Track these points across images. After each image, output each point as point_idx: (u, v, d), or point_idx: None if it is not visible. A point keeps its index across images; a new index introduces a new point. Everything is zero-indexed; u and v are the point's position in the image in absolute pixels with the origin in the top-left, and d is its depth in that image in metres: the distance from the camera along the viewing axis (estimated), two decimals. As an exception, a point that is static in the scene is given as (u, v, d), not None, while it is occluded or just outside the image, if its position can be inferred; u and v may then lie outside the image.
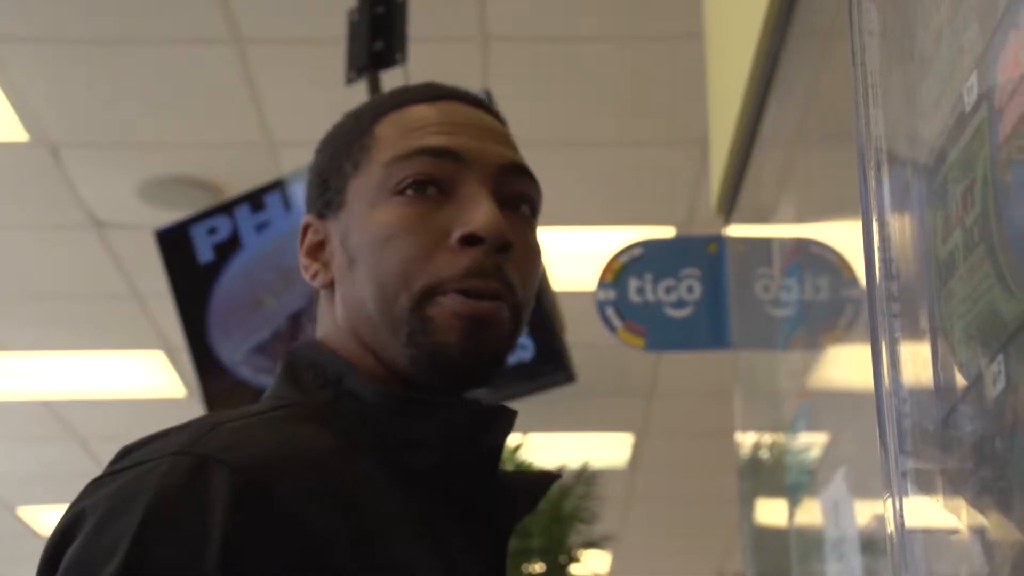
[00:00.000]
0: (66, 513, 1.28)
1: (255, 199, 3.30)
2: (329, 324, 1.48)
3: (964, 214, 1.28)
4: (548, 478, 1.46)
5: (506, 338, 1.42)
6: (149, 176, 5.78)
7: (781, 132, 2.81)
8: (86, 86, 5.22)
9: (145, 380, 7.72)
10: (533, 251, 1.46)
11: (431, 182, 1.41)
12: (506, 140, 1.49)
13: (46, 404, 8.02)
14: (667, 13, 4.74)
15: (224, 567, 1.20)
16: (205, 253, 3.31)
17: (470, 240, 1.38)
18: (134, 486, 1.25)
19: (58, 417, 8.19)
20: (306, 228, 1.50)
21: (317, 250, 1.48)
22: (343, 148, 1.49)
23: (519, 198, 1.46)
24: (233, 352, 3.27)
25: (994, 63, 1.21)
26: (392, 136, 1.46)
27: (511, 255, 1.40)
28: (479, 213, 1.39)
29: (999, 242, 1.20)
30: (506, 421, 1.40)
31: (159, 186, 5.82)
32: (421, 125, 1.46)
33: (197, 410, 3.59)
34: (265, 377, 3.09)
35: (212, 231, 3.32)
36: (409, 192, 1.41)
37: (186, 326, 3.36)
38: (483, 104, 1.52)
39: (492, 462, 1.42)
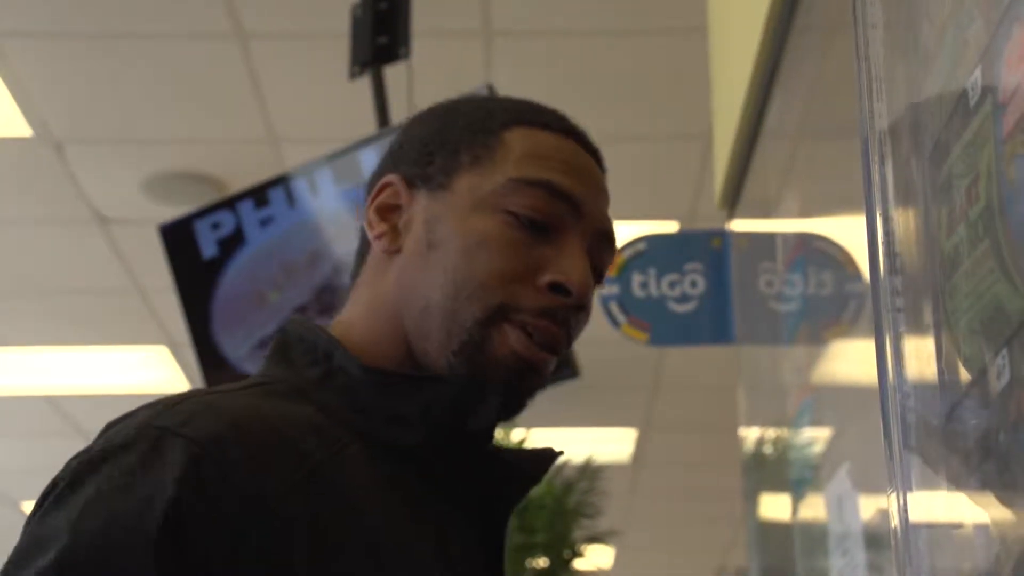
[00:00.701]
0: (46, 488, 1.30)
1: (259, 194, 3.30)
2: (370, 289, 1.46)
3: (969, 208, 1.28)
4: (550, 454, 1.44)
5: (540, 386, 1.44)
6: (153, 171, 5.79)
7: (785, 126, 2.81)
8: (90, 82, 5.23)
9: (149, 375, 7.73)
10: (588, 316, 1.47)
11: (544, 220, 1.42)
12: (608, 201, 1.51)
13: (49, 399, 8.03)
14: (670, 7, 4.74)
15: (171, 538, 1.20)
16: (209, 248, 3.31)
17: (560, 289, 1.40)
18: (96, 459, 1.28)
19: (61, 412, 8.20)
20: (384, 186, 1.47)
21: (389, 212, 1.46)
22: (464, 134, 1.47)
23: (602, 270, 1.49)
24: (237, 347, 3.27)
25: (998, 57, 1.21)
26: (520, 152, 1.46)
27: (580, 316, 1.43)
28: (577, 270, 1.41)
29: (1004, 237, 1.19)
30: (494, 402, 1.38)
31: (163, 181, 5.83)
32: (549, 155, 1.46)
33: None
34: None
35: (216, 226, 3.32)
36: (521, 218, 1.42)
37: (190, 321, 3.36)
38: (598, 155, 1.53)
39: (481, 442, 1.41)
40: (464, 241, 1.41)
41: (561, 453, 1.46)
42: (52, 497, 1.27)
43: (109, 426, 1.35)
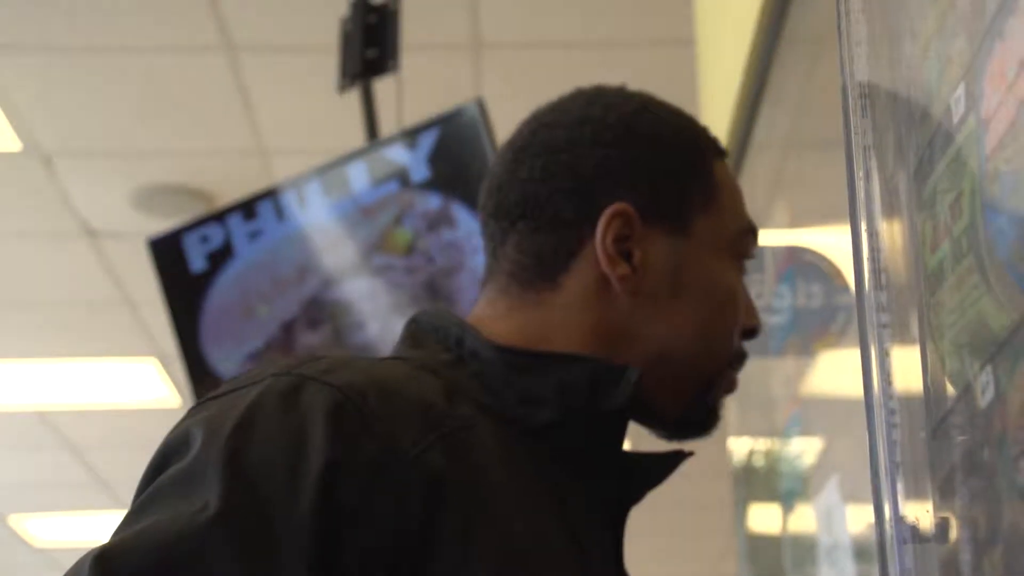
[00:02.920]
0: (169, 434, 1.28)
1: (248, 208, 3.30)
2: (565, 313, 1.44)
3: (953, 224, 1.28)
4: (679, 456, 1.45)
5: None
6: (141, 184, 5.78)
7: (773, 139, 2.82)
8: (78, 95, 5.22)
9: (137, 389, 7.71)
10: None
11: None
12: None
13: (38, 413, 8.01)
14: (659, 19, 4.75)
15: (323, 494, 1.19)
16: (198, 262, 3.31)
17: (752, 334, 1.49)
18: (232, 408, 1.25)
19: (50, 426, 8.18)
20: (619, 214, 1.44)
21: (619, 243, 1.44)
22: (685, 172, 1.47)
23: None
24: (226, 360, 3.27)
25: (981, 74, 1.21)
26: (728, 193, 1.50)
27: None
28: (758, 316, 1.49)
29: (987, 253, 1.20)
30: (628, 383, 1.38)
31: (151, 194, 5.82)
32: (738, 193, 1.52)
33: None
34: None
35: (205, 240, 3.32)
36: (744, 267, 1.47)
37: (178, 335, 3.35)
38: None
39: (615, 426, 1.40)
40: (713, 295, 1.44)
41: (692, 454, 1.46)
42: (194, 445, 1.23)
43: (232, 379, 1.34)
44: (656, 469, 1.45)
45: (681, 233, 1.44)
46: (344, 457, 1.21)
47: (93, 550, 1.16)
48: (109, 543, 1.17)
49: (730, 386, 1.48)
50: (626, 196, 1.44)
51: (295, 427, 1.22)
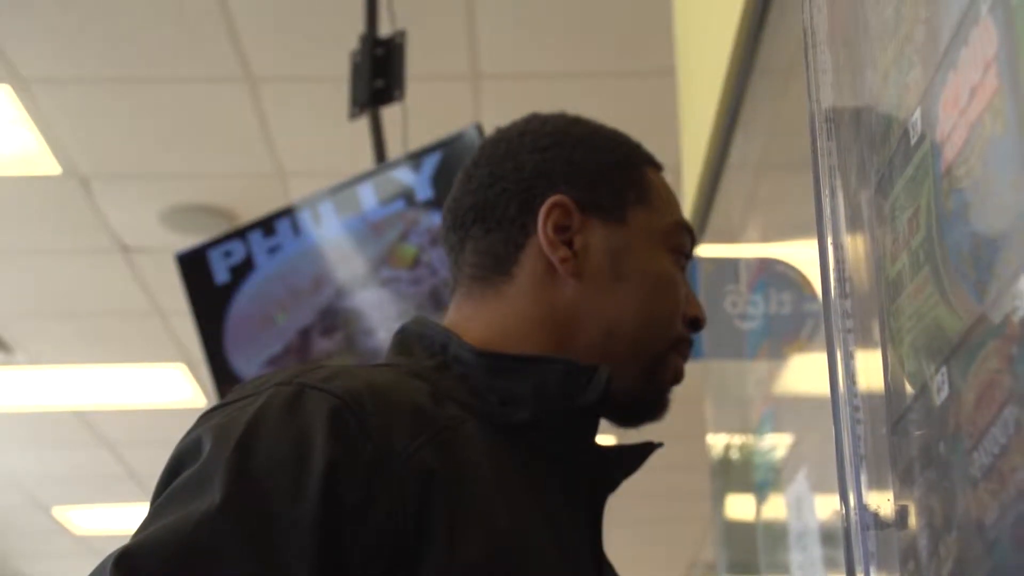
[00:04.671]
0: (181, 441, 1.28)
1: (267, 225, 3.30)
2: (525, 298, 1.45)
3: (911, 238, 1.28)
4: (650, 447, 1.46)
5: None
6: (170, 204, 5.78)
7: (747, 160, 2.81)
8: (113, 123, 5.23)
9: (167, 391, 7.71)
10: None
11: (687, 259, 1.50)
12: None
13: (77, 413, 8.01)
14: (642, 52, 4.75)
15: (325, 491, 1.19)
16: (221, 275, 3.31)
17: (696, 325, 1.48)
18: (239, 414, 1.25)
19: (88, 425, 8.18)
20: (556, 205, 1.45)
21: (560, 231, 1.45)
22: (620, 168, 1.49)
23: None
24: (247, 365, 3.27)
25: (936, 100, 1.21)
26: (663, 194, 1.51)
27: None
28: (701, 308, 1.49)
29: (942, 264, 1.20)
30: (600, 381, 1.38)
31: (179, 213, 5.82)
32: (672, 197, 1.53)
33: (215, 418, 3.59)
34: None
35: (227, 254, 3.31)
36: (680, 258, 1.47)
37: (204, 341, 3.35)
38: None
39: (590, 421, 1.41)
40: (654, 279, 1.45)
41: (661, 445, 1.47)
42: (204, 451, 1.23)
43: (239, 388, 1.33)
44: (629, 459, 1.45)
45: (618, 222, 1.46)
46: (344, 457, 1.21)
47: (114, 552, 1.16)
48: (129, 544, 1.17)
49: (676, 374, 1.47)
50: (565, 190, 1.46)
51: (299, 430, 1.22)
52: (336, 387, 1.26)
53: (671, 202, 1.50)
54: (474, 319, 1.46)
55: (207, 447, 1.23)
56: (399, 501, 1.22)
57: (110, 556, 1.16)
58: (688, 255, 1.49)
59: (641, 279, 1.43)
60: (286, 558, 1.17)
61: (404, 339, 1.46)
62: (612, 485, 1.45)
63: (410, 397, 1.30)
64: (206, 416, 1.30)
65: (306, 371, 1.29)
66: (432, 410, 1.30)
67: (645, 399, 1.43)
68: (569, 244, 1.45)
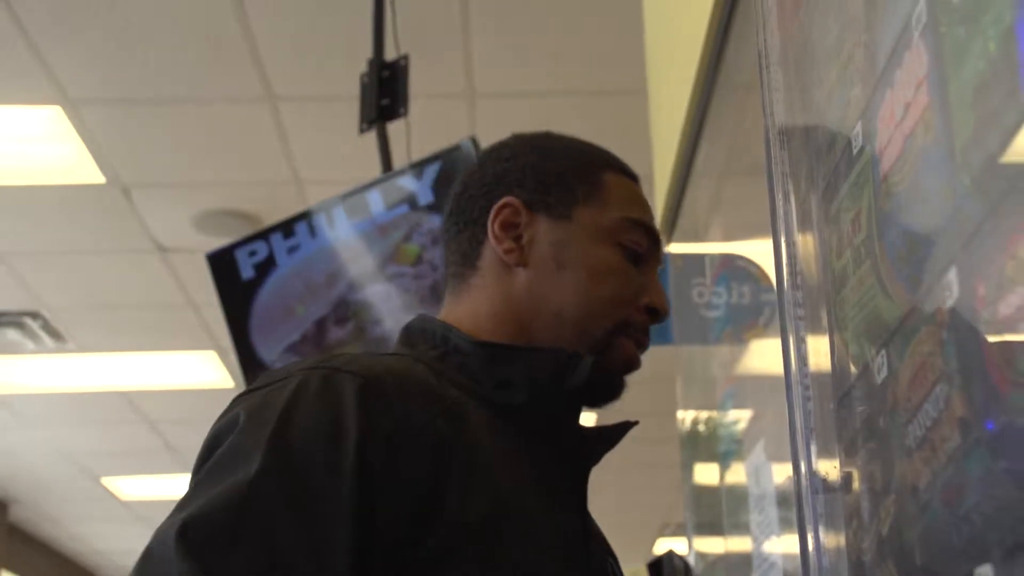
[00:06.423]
0: (219, 420, 1.27)
1: (287, 227, 3.29)
2: (488, 290, 1.45)
3: (853, 236, 1.28)
4: (626, 425, 1.46)
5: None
6: (201, 210, 5.78)
7: (710, 168, 2.81)
8: (150, 138, 5.22)
9: (200, 374, 7.71)
10: None
11: (642, 253, 1.46)
12: None
13: (121, 394, 8.01)
14: (618, 72, 4.75)
15: (359, 459, 1.19)
16: (247, 271, 3.30)
17: (654, 313, 1.45)
18: (270, 396, 1.25)
19: (131, 405, 8.18)
20: (505, 205, 1.46)
21: (509, 228, 1.46)
22: (571, 172, 1.48)
23: None
24: (270, 352, 3.26)
25: (875, 115, 1.21)
26: (617, 194, 1.48)
27: None
28: (662, 296, 1.46)
29: (881, 260, 1.20)
30: (584, 368, 1.38)
31: (209, 218, 5.82)
32: (635, 198, 1.50)
33: (242, 398, 3.59)
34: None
35: (252, 253, 3.31)
36: (629, 251, 1.45)
37: (232, 330, 3.35)
38: None
39: (575, 403, 1.41)
40: (593, 268, 1.43)
41: (636, 423, 1.47)
42: (235, 432, 1.23)
43: (265, 376, 1.32)
44: (608, 436, 1.45)
45: (563, 218, 1.45)
46: (372, 429, 1.21)
47: (171, 524, 1.16)
48: (185, 517, 1.16)
49: (628, 359, 1.44)
50: (517, 192, 1.47)
51: (332, 406, 1.22)
52: (360, 369, 1.26)
53: (628, 202, 1.48)
54: (456, 311, 1.47)
55: (245, 424, 1.23)
56: (420, 466, 1.22)
57: (168, 529, 1.16)
58: (644, 250, 1.47)
59: (582, 268, 1.43)
60: (328, 519, 1.17)
61: (409, 334, 1.47)
62: (595, 458, 1.46)
63: (421, 378, 1.31)
64: (240, 398, 1.30)
65: (330, 359, 1.30)
66: (440, 388, 1.31)
67: (596, 381, 1.41)
68: (518, 239, 1.45)
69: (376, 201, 3.12)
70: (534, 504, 1.32)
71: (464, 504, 1.24)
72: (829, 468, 1.36)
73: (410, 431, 1.23)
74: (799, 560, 1.41)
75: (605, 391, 1.44)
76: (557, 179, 1.47)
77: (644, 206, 1.50)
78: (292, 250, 3.27)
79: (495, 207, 1.47)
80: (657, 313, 1.45)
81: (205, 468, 1.23)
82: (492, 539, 1.25)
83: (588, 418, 1.46)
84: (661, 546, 10.75)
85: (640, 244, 1.46)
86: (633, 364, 1.45)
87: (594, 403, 1.45)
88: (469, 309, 1.46)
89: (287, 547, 1.16)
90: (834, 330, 1.36)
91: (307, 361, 1.31)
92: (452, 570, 1.22)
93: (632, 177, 1.53)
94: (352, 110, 3.52)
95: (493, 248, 1.46)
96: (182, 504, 1.20)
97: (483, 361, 1.39)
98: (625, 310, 1.43)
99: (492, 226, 1.46)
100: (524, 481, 1.32)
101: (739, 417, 2.58)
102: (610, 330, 1.42)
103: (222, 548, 1.14)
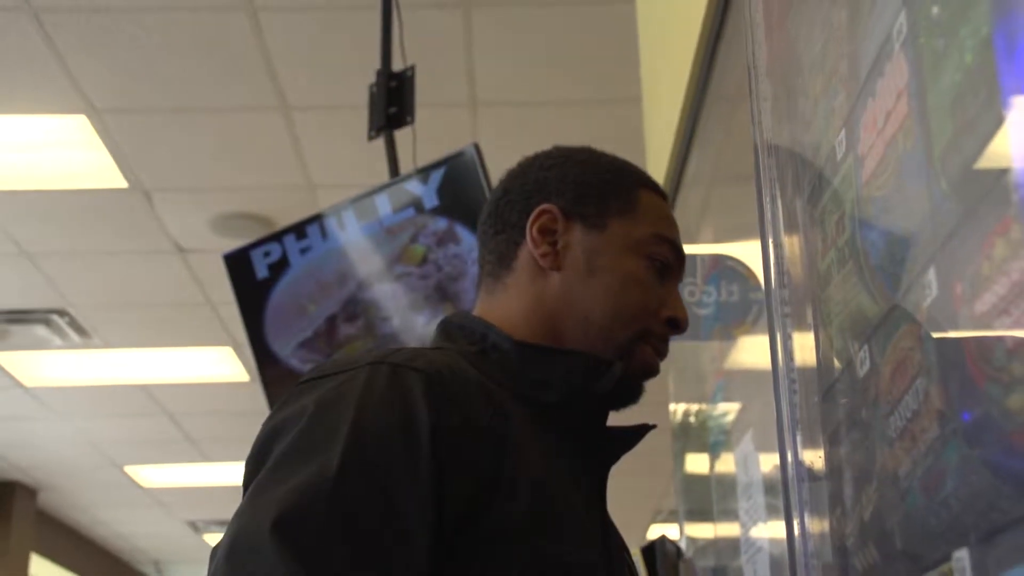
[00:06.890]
0: (271, 418, 1.26)
1: (299, 229, 3.29)
2: (523, 290, 1.45)
3: (837, 237, 1.28)
4: (645, 428, 1.46)
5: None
6: (218, 212, 5.78)
7: (701, 174, 2.81)
8: (170, 145, 5.22)
9: (218, 369, 7.70)
10: None
11: (667, 267, 1.46)
12: None
13: (143, 387, 8.00)
14: (615, 82, 4.75)
15: (432, 450, 1.19)
16: (261, 271, 3.30)
17: (674, 324, 1.45)
18: (342, 388, 1.24)
19: (152, 397, 8.17)
20: (544, 212, 1.46)
21: (546, 233, 1.46)
22: (608, 186, 1.48)
23: None
24: (284, 347, 3.26)
25: (858, 122, 1.21)
26: (650, 210, 1.48)
27: None
28: (683, 309, 1.46)
29: (863, 260, 1.20)
30: (613, 374, 1.39)
31: (226, 220, 5.82)
32: (665, 216, 1.50)
33: (259, 392, 3.59)
34: (310, 366, 3.08)
35: (267, 254, 3.31)
36: (656, 264, 1.45)
37: (248, 327, 3.34)
38: None
39: (603, 406, 1.42)
40: (622, 275, 1.43)
41: (655, 426, 1.47)
42: (299, 426, 1.21)
43: (317, 369, 1.31)
44: (628, 438, 1.45)
45: (598, 228, 1.45)
46: (440, 423, 1.22)
47: (256, 515, 1.15)
48: (277, 513, 1.14)
49: (647, 366, 1.44)
50: (555, 200, 1.47)
51: (402, 402, 1.22)
52: (424, 365, 1.26)
53: (658, 219, 1.48)
54: (491, 310, 1.47)
55: (317, 415, 1.22)
56: (481, 461, 1.23)
57: (254, 520, 1.14)
58: (670, 265, 1.47)
59: (611, 276, 1.43)
60: (410, 510, 1.17)
61: (447, 329, 1.47)
62: (614, 458, 1.46)
63: (472, 375, 1.31)
64: (302, 388, 1.28)
65: (391, 353, 1.29)
66: (490, 387, 1.31)
67: (619, 385, 1.42)
68: (554, 244, 1.45)
69: (384, 204, 3.12)
70: (569, 496, 1.33)
71: (514, 497, 1.24)
72: (814, 458, 1.36)
73: (472, 425, 1.24)
74: (785, 545, 1.41)
75: (626, 395, 1.45)
76: (595, 191, 1.47)
77: (673, 225, 1.50)
78: (304, 251, 3.27)
79: (534, 212, 1.47)
80: (677, 325, 1.45)
81: (276, 456, 1.21)
82: (538, 530, 1.26)
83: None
84: (654, 531, 10.75)
85: (666, 259, 1.46)
86: (653, 370, 1.45)
87: (615, 406, 1.45)
88: (503, 308, 1.46)
89: (378, 541, 1.16)
90: (819, 327, 1.36)
91: (368, 354, 1.30)
92: (500, 560, 1.23)
93: (663, 196, 1.53)
94: (361, 118, 3.52)
95: (529, 251, 1.46)
96: (259, 490, 1.18)
97: (521, 360, 1.39)
98: (648, 319, 1.43)
99: (530, 230, 1.46)
100: (559, 475, 1.33)
101: (728, 409, 2.58)
102: (632, 337, 1.42)
103: (321, 545, 1.14)
